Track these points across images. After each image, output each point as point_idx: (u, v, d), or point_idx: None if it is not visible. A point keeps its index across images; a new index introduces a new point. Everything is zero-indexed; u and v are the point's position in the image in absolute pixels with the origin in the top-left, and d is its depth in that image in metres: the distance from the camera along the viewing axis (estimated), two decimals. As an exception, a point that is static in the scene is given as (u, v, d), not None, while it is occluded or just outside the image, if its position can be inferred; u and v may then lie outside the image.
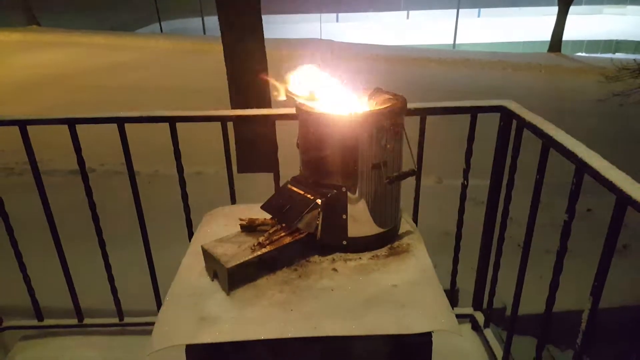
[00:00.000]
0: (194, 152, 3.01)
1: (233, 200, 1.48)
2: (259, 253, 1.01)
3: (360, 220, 1.06)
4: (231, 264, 0.97)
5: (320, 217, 1.02)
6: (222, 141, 1.43)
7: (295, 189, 1.10)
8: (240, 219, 1.11)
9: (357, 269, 1.03)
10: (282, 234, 1.05)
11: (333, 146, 1.00)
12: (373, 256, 1.09)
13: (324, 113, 1.03)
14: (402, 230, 1.19)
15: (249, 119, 1.42)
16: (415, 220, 1.47)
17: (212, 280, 1.03)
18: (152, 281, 1.55)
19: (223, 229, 1.20)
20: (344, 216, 1.06)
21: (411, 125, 1.14)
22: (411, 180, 1.25)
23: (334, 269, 1.05)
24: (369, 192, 1.05)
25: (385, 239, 1.11)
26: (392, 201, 1.09)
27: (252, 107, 1.44)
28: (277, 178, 1.47)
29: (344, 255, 1.08)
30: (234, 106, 3.06)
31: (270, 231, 1.06)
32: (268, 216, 1.11)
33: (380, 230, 1.08)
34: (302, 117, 1.07)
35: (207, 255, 1.03)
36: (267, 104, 2.99)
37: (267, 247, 1.00)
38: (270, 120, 1.42)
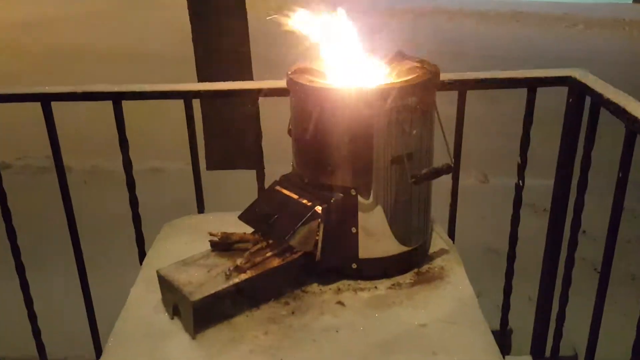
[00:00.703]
0: (148, 141, 3.02)
1: (201, 207, 1.48)
2: (237, 281, 1.01)
3: (375, 234, 1.07)
4: (198, 296, 0.97)
5: (321, 230, 1.03)
6: (186, 127, 1.43)
7: (286, 192, 1.10)
8: (211, 234, 1.10)
9: (371, 303, 1.04)
10: (268, 254, 1.05)
11: (339, 133, 1.01)
12: (393, 284, 1.09)
13: (326, 87, 1.02)
14: (433, 248, 1.18)
15: (223, 96, 1.42)
16: (451, 234, 1.47)
17: (172, 318, 1.03)
18: (89, 318, 1.54)
19: (187, 246, 1.21)
20: (354, 229, 1.07)
21: (444, 104, 1.14)
22: (446, 180, 1.24)
23: (340, 302, 1.05)
24: (388, 196, 1.06)
25: (410, 261, 1.13)
26: (420, 208, 1.11)
27: (226, 80, 1.44)
28: (260, 177, 1.47)
29: (353, 283, 1.09)
30: (202, 78, 3.02)
31: (252, 250, 1.05)
32: (249, 230, 1.11)
33: (404, 248, 1.10)
34: (296, 93, 1.07)
35: (165, 284, 1.03)
36: (247, 74, 2.96)
37: (248, 272, 1.01)
38: (252, 97, 1.42)
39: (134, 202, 1.47)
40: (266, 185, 1.25)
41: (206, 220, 1.34)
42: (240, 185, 1.95)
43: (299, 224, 1.02)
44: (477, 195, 2.72)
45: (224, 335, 0.97)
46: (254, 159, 1.48)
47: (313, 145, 1.05)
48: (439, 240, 1.21)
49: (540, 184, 1.75)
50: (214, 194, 1.64)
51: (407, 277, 1.10)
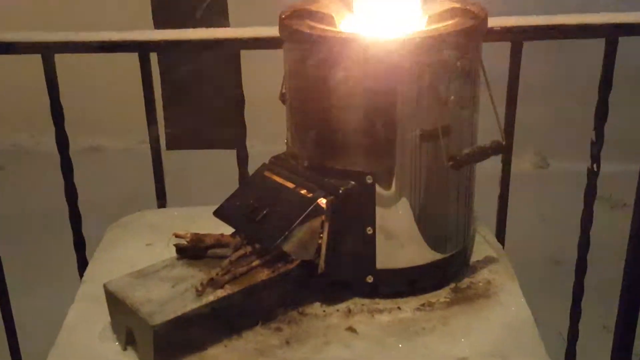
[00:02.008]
0: (87, 111, 3.01)
1: (161, 200, 1.49)
2: (212, 299, 1.01)
3: (399, 237, 1.08)
4: (160, 320, 0.97)
5: (326, 231, 1.04)
6: (142, 91, 1.44)
7: (278, 178, 1.11)
8: (177, 235, 1.11)
9: (392, 329, 1.05)
10: (254, 264, 1.06)
11: (351, 98, 1.02)
12: (423, 305, 1.10)
13: (335, 36, 1.03)
14: (476, 256, 1.19)
15: (189, 49, 1.44)
16: (500, 237, 1.48)
17: (124, 349, 1.03)
18: (11, 348, 1.56)
19: (143, 252, 1.20)
20: (370, 230, 1.08)
21: (493, 60, 1.14)
22: (492, 164, 1.25)
23: (351, 329, 1.05)
24: (417, 185, 1.07)
25: (446, 273, 1.14)
26: (459, 202, 1.12)
27: (193, 26, 1.44)
28: (242, 159, 1.48)
29: (368, 302, 1.10)
30: (160, 24, 3.00)
31: (232, 258, 1.06)
32: (228, 230, 1.12)
33: (437, 256, 1.11)
34: (293, 44, 1.07)
35: (116, 303, 1.04)
36: (223, 19, 2.94)
37: (227, 287, 1.02)
38: (231, 50, 1.43)
39: (71, 194, 1.48)
40: (251, 171, 1.26)
41: (169, 216, 1.35)
42: (214, 171, 1.96)
43: (296, 223, 1.02)
44: (534, 185, 2.70)
45: (196, 371, 1.00)
46: (232, 135, 1.49)
47: (316, 115, 1.06)
48: (484, 245, 1.22)
49: (620, 169, 1.76)
50: (179, 183, 1.71)
51: (442, 295, 1.11)
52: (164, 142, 2.59)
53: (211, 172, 2.04)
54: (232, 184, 1.25)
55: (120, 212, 1.38)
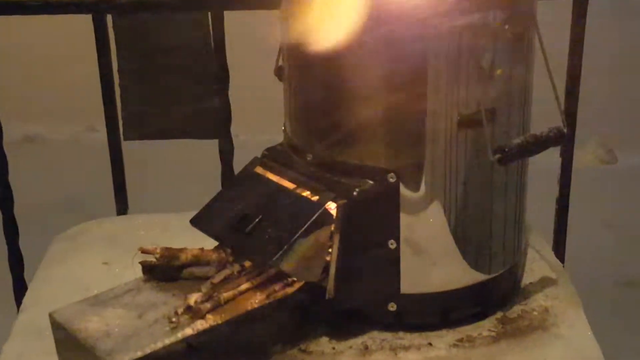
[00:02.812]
0: (20, 91, 3.00)
1: (122, 204, 1.50)
2: (189, 333, 1.01)
3: (430, 253, 1.09)
4: (123, 359, 0.97)
5: (336, 245, 1.05)
6: (98, 63, 1.46)
7: (274, 177, 1.12)
8: (143, 250, 1.11)
9: None
10: (244, 287, 1.07)
11: (370, 74, 1.03)
12: (461, 340, 1.11)
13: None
14: (529, 277, 1.20)
15: (156, 9, 1.46)
16: (559, 251, 1.49)
17: None
18: None
19: (99, 271, 1.21)
20: (393, 243, 1.08)
21: (546, 26, 1.13)
22: (548, 158, 1.25)
23: None
24: (453, 186, 1.08)
25: (491, 299, 1.15)
26: (508, 207, 1.13)
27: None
28: (226, 151, 1.49)
29: (391, 337, 1.11)
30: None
31: (215, 280, 1.07)
32: (210, 243, 1.13)
33: (479, 277, 1.12)
34: (293, 3, 1.08)
35: (65, 337, 1.04)
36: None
37: (208, 318, 1.02)
38: (212, 11, 1.44)
39: (4, 197, 1.48)
40: (237, 167, 1.27)
41: (132, 226, 1.36)
42: (189, 168, 1.96)
43: (297, 235, 1.03)
44: (600, 185, 2.70)
45: None
46: (212, 121, 1.49)
47: (324, 95, 1.07)
48: (539, 262, 1.23)
49: None
50: (143, 182, 1.70)
51: (485, 327, 1.12)
52: (122, 131, 2.60)
53: (185, 170, 2.04)
54: (213, 184, 1.25)
55: (68, 220, 1.39)
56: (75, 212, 1.43)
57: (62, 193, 1.91)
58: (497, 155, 1.04)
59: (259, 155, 1.16)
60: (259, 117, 1.68)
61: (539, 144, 1.07)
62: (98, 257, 1.27)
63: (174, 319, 1.02)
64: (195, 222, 1.13)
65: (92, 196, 1.61)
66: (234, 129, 1.52)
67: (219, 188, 1.23)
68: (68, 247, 1.33)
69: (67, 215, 1.42)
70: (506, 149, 1.04)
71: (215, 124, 1.50)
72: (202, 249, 1.11)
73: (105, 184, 1.53)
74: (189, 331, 1.01)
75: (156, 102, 2.92)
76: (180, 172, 2.08)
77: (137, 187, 1.58)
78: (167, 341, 1.00)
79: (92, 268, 1.25)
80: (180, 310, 1.02)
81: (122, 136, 1.63)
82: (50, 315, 1.05)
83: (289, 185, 1.10)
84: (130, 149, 1.67)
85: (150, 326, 1.02)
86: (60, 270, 1.27)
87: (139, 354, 0.98)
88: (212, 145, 1.53)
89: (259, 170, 1.14)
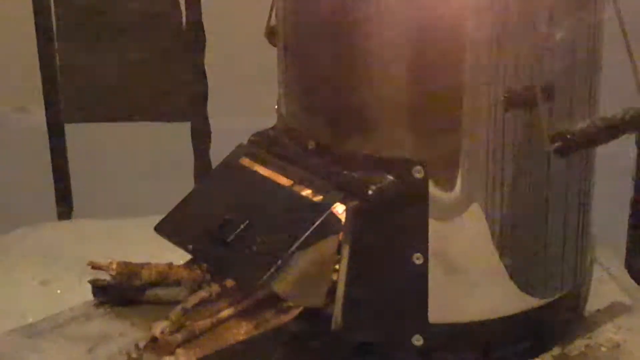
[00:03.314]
0: None
1: (64, 205, 1.51)
2: None
3: (466, 271, 1.09)
4: None
5: (346, 260, 1.04)
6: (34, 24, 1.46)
7: (263, 170, 1.12)
8: (94, 265, 1.11)
9: None
10: (225, 314, 1.07)
11: (391, 39, 1.02)
12: None
13: None
14: (595, 302, 1.20)
15: None
16: (634, 269, 1.47)
17: None
18: None
19: (36, 293, 1.23)
20: (418, 258, 1.07)
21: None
22: (617, 148, 1.24)
23: None
24: (497, 184, 1.07)
25: (545, 331, 1.14)
26: (569, 213, 1.13)
27: None
28: (201, 137, 1.51)
29: None
30: None
31: (188, 305, 1.06)
32: (182, 257, 1.13)
33: (529, 303, 1.12)
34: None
35: None
36: None
37: (179, 354, 1.02)
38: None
39: None
40: (215, 157, 1.26)
41: (78, 234, 1.37)
42: (151, 160, 1.95)
43: (295, 246, 1.03)
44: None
45: None
46: (183, 100, 1.52)
47: (333, 65, 1.06)
48: (608, 284, 1.23)
49: None
50: (91, 178, 1.66)
51: None
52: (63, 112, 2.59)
53: (146, 162, 2.03)
54: (183, 180, 1.24)
55: None
56: (3, 215, 1.42)
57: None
58: (556, 144, 1.02)
59: (245, 142, 1.15)
60: (242, 94, 1.67)
61: (611, 130, 1.05)
62: (35, 274, 1.27)
63: (134, 355, 1.00)
64: (160, 229, 1.11)
65: (26, 196, 1.59)
66: (209, 110, 1.53)
67: (191, 185, 1.20)
68: (-5, 260, 1.29)
69: (-7, 220, 1.41)
70: (567, 136, 1.02)
71: (187, 103, 1.49)
72: (170, 265, 1.10)
73: (43, 179, 1.52)
74: (154, 375, 0.98)
75: (106, 75, 2.91)
76: (140, 165, 2.07)
77: (84, 185, 1.55)
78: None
79: (26, 288, 1.24)
80: (142, 344, 1.01)
81: (63, 118, 1.63)
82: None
83: (284, 181, 1.09)
84: (75, 135, 1.67)
85: (102, 368, 0.99)
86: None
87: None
88: (181, 130, 1.52)
89: (245, 161, 1.12)
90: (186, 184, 1.20)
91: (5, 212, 1.43)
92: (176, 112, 1.57)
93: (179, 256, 1.12)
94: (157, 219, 1.14)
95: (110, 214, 1.39)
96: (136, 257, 1.12)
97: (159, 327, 1.02)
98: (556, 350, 1.13)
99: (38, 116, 1.66)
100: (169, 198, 1.16)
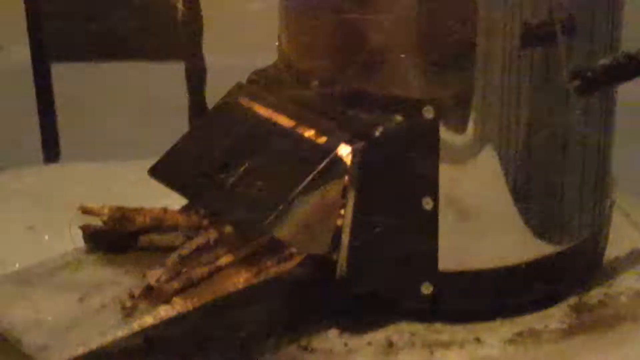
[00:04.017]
0: None
1: (51, 149, 1.50)
2: (149, 323, 1.01)
3: (479, 216, 1.09)
4: (58, 359, 0.96)
5: (351, 205, 1.04)
6: None
7: (263, 111, 1.12)
8: (84, 209, 1.10)
9: None
10: (224, 261, 1.06)
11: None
12: (520, 334, 1.11)
13: None
14: (615, 248, 1.21)
15: None
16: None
17: None
18: None
19: (23, 240, 1.22)
20: (428, 203, 1.07)
21: None
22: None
23: None
24: (512, 125, 1.07)
25: (562, 279, 1.15)
26: (587, 156, 1.13)
27: None
28: (196, 76, 1.49)
29: (424, 330, 1.12)
30: None
31: (184, 251, 1.06)
32: (178, 202, 1.12)
33: (545, 250, 1.13)
34: None
35: None
36: None
37: (175, 303, 1.02)
38: None
39: None
40: (211, 97, 1.26)
41: (66, 178, 1.36)
42: (142, 100, 1.94)
43: (297, 190, 1.03)
44: None
45: None
46: (177, 36, 1.49)
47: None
48: (628, 230, 1.23)
49: None
50: (79, 120, 1.65)
51: (555, 317, 1.12)
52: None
53: (137, 103, 2.02)
54: (176, 122, 1.23)
55: None
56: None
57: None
58: (576, 82, 1.03)
59: (243, 81, 1.15)
60: (239, 30, 1.65)
61: (635, 66, 1.05)
62: (20, 220, 1.26)
63: (127, 304, 1.00)
64: (155, 172, 1.12)
65: (8, 137, 1.58)
66: (204, 47, 1.51)
67: (185, 128, 1.19)
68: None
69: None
70: (588, 74, 1.03)
71: (181, 39, 1.48)
72: (165, 209, 1.10)
73: (27, 121, 1.51)
74: (148, 320, 0.99)
75: (95, 12, 2.88)
76: (131, 106, 2.06)
77: (72, 126, 1.55)
78: (120, 333, 0.98)
79: (12, 234, 1.24)
80: (136, 292, 1.00)
81: (49, 57, 1.61)
82: (-41, 298, 1.02)
83: (286, 122, 1.09)
84: (61, 75, 1.65)
85: (96, 313, 1.00)
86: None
87: (81, 350, 0.96)
88: (174, 69, 1.51)
89: (244, 101, 1.12)
90: (179, 126, 1.21)
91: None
92: (169, 51, 1.56)
93: (174, 201, 1.12)
94: (150, 162, 1.14)
95: (99, 158, 1.37)
96: (128, 203, 1.11)
97: (155, 275, 1.02)
98: (573, 300, 1.14)
99: (19, 55, 1.62)
100: (161, 141, 1.16)
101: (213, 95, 1.23)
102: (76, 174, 1.35)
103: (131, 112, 1.90)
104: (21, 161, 1.42)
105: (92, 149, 1.45)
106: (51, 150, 1.47)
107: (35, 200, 1.29)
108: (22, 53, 1.68)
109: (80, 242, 1.11)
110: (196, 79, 1.47)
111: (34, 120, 1.58)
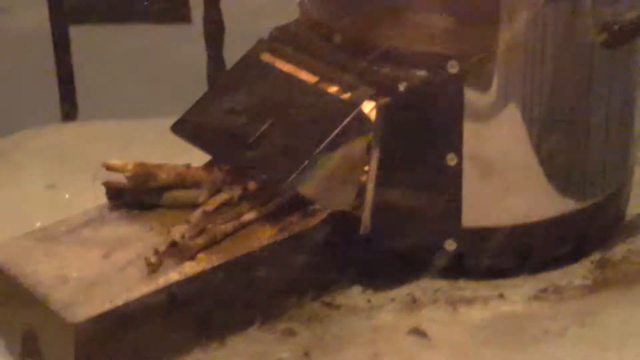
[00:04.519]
0: None
1: (69, 107, 1.50)
2: (174, 279, 1.01)
3: (502, 173, 1.10)
4: (84, 314, 0.97)
5: (375, 161, 1.04)
6: None
7: (286, 67, 1.12)
8: (108, 166, 1.10)
9: (490, 332, 1.06)
10: (247, 218, 1.06)
11: None
12: (544, 290, 1.11)
13: None
14: (638, 205, 1.21)
15: None
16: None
17: None
18: None
19: (43, 198, 1.21)
20: (452, 159, 1.07)
21: None
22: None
23: (418, 332, 1.06)
24: (536, 81, 1.07)
25: (586, 236, 1.15)
26: (612, 112, 1.12)
27: None
28: (214, 33, 1.49)
29: (447, 286, 1.13)
30: None
31: (208, 208, 1.06)
32: (202, 159, 1.12)
33: (568, 206, 1.13)
34: None
35: (3, 284, 1.04)
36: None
37: (199, 259, 1.03)
38: None
39: None
40: (231, 55, 1.25)
41: (85, 136, 1.35)
42: (159, 59, 1.93)
43: (322, 147, 1.03)
44: None
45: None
46: None
47: None
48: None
49: None
50: (97, 78, 1.64)
51: (578, 274, 1.12)
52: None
53: (155, 61, 2.01)
54: (194, 81, 1.24)
55: None
56: (4, 117, 1.40)
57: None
58: (603, 35, 1.02)
59: (265, 37, 1.15)
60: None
61: None
62: (40, 178, 1.26)
63: (152, 261, 1.00)
64: (177, 128, 1.11)
65: (26, 96, 1.57)
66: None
67: (203, 86, 1.19)
68: (-1, 165, 1.30)
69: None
70: (615, 27, 1.02)
71: None
72: (188, 166, 1.10)
73: (45, 80, 1.51)
74: (173, 276, 1.00)
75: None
76: (148, 64, 2.05)
77: (90, 85, 1.54)
78: (146, 289, 0.99)
79: (32, 192, 1.24)
80: (161, 249, 1.01)
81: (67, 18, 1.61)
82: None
83: (309, 78, 1.09)
84: (79, 37, 1.64)
85: (121, 270, 1.01)
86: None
87: (107, 307, 0.96)
88: (190, 29, 1.51)
89: (266, 57, 1.12)
90: (197, 85, 1.20)
91: (6, 114, 1.39)
92: (183, 12, 1.55)
93: (193, 160, 1.12)
94: (168, 121, 1.14)
95: (116, 116, 1.37)
96: (147, 161, 1.11)
97: (179, 231, 1.02)
98: (596, 256, 1.15)
99: (24, 18, 1.61)
100: (178, 99, 1.16)
101: (230, 58, 1.20)
102: (94, 132, 1.35)
103: (148, 73, 1.89)
104: (41, 120, 1.41)
105: (110, 108, 1.44)
106: (69, 108, 1.46)
107: (55, 158, 1.29)
108: (26, 15, 1.66)
109: (99, 200, 1.11)
110: (214, 37, 1.46)
111: (41, 81, 1.56)
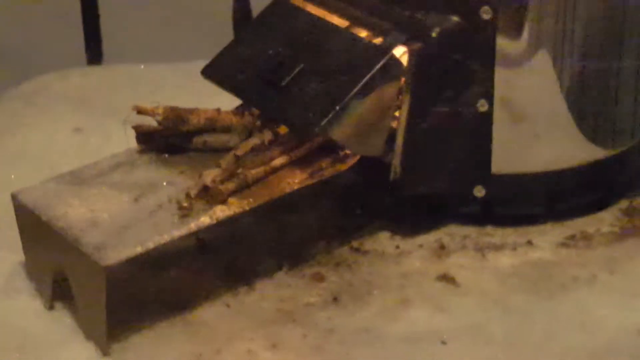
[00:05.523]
0: None
1: (94, 51, 1.50)
2: (205, 223, 1.01)
3: (533, 119, 1.10)
4: (115, 257, 0.97)
5: (407, 107, 1.04)
6: None
7: (317, 10, 1.12)
8: (139, 109, 1.09)
9: (519, 279, 1.07)
10: (278, 162, 1.07)
11: None
12: (573, 237, 1.11)
13: None
14: None
15: None
16: None
17: (50, 307, 1.05)
18: None
19: (71, 140, 1.22)
20: (482, 105, 1.07)
21: None
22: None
23: (447, 278, 1.07)
24: (569, 28, 1.07)
25: (614, 183, 1.17)
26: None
27: None
28: None
29: (476, 232, 1.13)
30: None
31: (239, 152, 1.06)
32: (232, 102, 1.12)
33: (598, 153, 1.13)
34: None
35: (33, 227, 1.04)
36: None
37: (231, 203, 1.03)
38: None
39: None
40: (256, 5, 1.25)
41: (111, 80, 1.35)
42: (184, 4, 1.92)
43: (353, 92, 1.03)
44: None
45: (176, 348, 0.98)
46: None
47: None
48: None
49: None
50: (122, 21, 1.64)
51: (606, 221, 1.13)
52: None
53: (182, 3, 2.00)
54: (221, 25, 1.25)
55: (18, 71, 1.39)
56: (28, 60, 1.39)
57: (8, 36, 1.87)
58: None
59: None
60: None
61: None
62: (67, 122, 1.25)
63: (184, 204, 1.00)
64: (208, 72, 1.11)
65: (50, 38, 1.56)
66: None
67: (229, 32, 1.19)
68: (21, 108, 1.31)
69: (17, 64, 1.38)
70: None
71: None
72: (218, 110, 1.10)
73: (69, 22, 1.50)
74: (205, 220, 1.00)
75: None
76: (175, 7, 2.04)
77: (115, 28, 1.53)
78: (177, 233, 0.99)
79: (59, 136, 1.24)
80: (193, 193, 1.01)
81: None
82: (14, 197, 1.04)
83: (340, 22, 1.09)
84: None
85: (152, 213, 1.01)
86: (15, 140, 1.26)
87: (139, 250, 0.97)
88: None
89: (297, 1, 1.12)
90: (224, 29, 1.19)
91: (29, 57, 1.38)
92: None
93: (224, 103, 1.12)
94: (194, 65, 1.15)
95: (143, 60, 1.36)
96: (182, 102, 1.11)
97: (210, 176, 1.02)
98: (624, 203, 1.15)
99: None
100: (206, 43, 1.17)
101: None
102: (120, 76, 1.35)
103: (175, 16, 1.88)
104: (66, 63, 1.40)
105: (134, 52, 1.43)
106: (94, 52, 1.45)
107: (81, 102, 1.29)
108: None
109: (128, 144, 1.11)
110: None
111: (65, 23, 1.55)
